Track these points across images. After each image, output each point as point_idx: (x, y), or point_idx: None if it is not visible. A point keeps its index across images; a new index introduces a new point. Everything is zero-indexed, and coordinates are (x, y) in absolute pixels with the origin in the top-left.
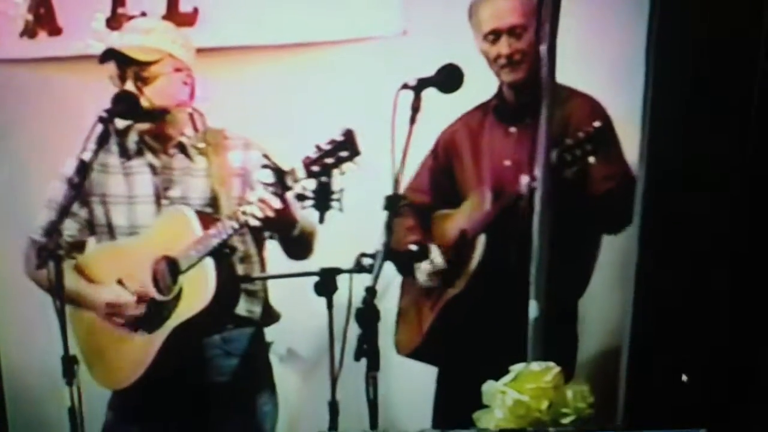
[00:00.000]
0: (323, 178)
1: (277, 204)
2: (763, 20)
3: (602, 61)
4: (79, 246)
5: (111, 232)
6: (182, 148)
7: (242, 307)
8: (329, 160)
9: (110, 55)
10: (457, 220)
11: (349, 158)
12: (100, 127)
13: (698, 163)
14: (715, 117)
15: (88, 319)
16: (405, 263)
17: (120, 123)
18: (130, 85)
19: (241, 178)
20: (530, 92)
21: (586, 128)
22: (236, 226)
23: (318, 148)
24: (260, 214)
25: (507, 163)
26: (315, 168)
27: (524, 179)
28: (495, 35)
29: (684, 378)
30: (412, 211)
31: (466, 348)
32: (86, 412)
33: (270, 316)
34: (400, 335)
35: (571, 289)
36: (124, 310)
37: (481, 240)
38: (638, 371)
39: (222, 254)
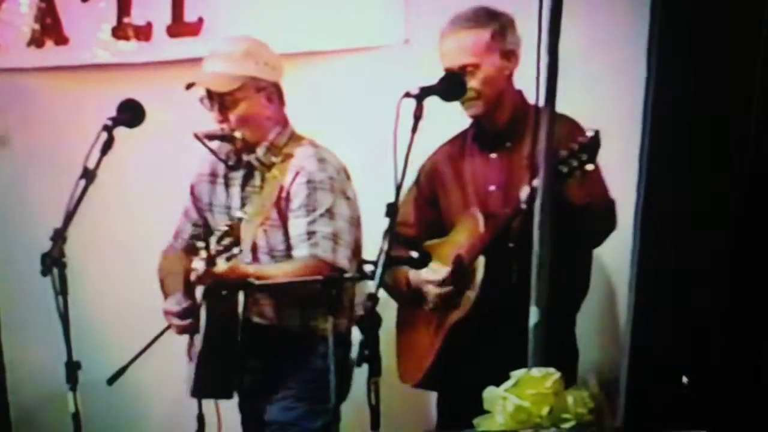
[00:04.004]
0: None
1: (202, 268)
2: (763, 21)
3: (603, 65)
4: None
5: None
6: (250, 167)
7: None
8: (219, 248)
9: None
10: (449, 248)
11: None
12: (105, 135)
13: (698, 166)
14: (716, 118)
15: None
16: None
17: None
18: (216, 111)
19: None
20: (503, 119)
21: (579, 138)
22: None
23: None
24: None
25: (492, 188)
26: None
27: (525, 192)
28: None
29: (684, 380)
30: (401, 245)
31: (473, 373)
32: (89, 416)
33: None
34: (403, 366)
35: (573, 295)
36: (175, 316)
37: (480, 263)
38: (639, 373)
39: (214, 295)
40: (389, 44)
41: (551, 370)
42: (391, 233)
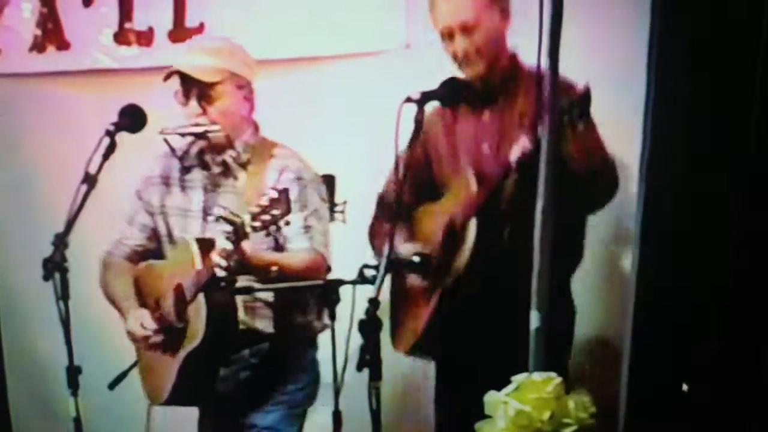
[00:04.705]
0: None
1: (229, 252)
2: (763, 20)
3: (605, 62)
4: (149, 254)
5: (172, 242)
6: (225, 166)
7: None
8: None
9: (178, 75)
10: (442, 211)
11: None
12: (107, 140)
13: (699, 163)
14: (716, 117)
15: None
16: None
17: (183, 139)
18: (194, 103)
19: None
20: (497, 80)
21: (570, 93)
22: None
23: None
24: (224, 263)
25: (485, 146)
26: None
27: (515, 151)
28: (449, 32)
29: (684, 387)
30: (395, 211)
31: (465, 338)
32: (90, 421)
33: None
34: (395, 332)
35: (567, 261)
36: (144, 339)
37: (472, 224)
38: (638, 380)
39: (216, 289)
40: (390, 49)
41: (552, 374)
42: (392, 236)
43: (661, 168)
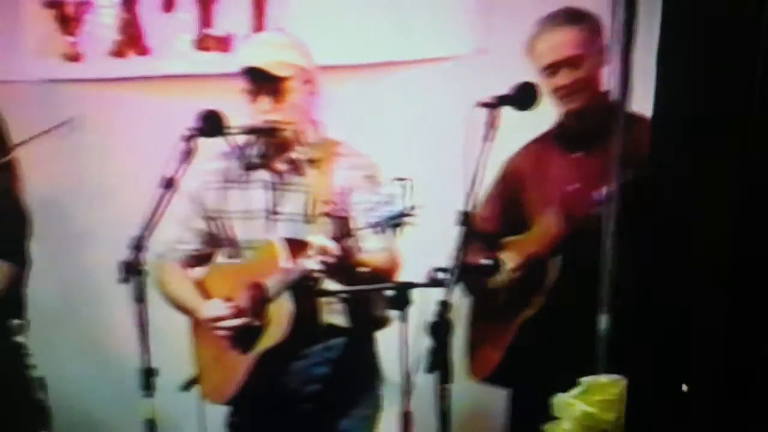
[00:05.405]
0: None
1: (336, 251)
2: (763, 20)
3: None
4: (205, 258)
5: (233, 245)
6: (294, 164)
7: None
8: (374, 220)
9: (249, 71)
10: (527, 245)
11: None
12: (184, 145)
13: (699, 163)
14: (716, 117)
15: (205, 332)
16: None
17: (244, 138)
18: (265, 101)
19: (341, 197)
20: (592, 118)
21: None
22: (308, 267)
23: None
24: (325, 260)
25: (572, 188)
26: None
27: (599, 195)
28: (553, 68)
29: (684, 387)
30: (480, 239)
31: (541, 369)
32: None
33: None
34: (473, 362)
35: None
36: (222, 323)
37: (556, 261)
38: (638, 380)
39: (302, 289)
40: (462, 54)
41: (618, 376)
42: (464, 241)
43: (662, 167)
